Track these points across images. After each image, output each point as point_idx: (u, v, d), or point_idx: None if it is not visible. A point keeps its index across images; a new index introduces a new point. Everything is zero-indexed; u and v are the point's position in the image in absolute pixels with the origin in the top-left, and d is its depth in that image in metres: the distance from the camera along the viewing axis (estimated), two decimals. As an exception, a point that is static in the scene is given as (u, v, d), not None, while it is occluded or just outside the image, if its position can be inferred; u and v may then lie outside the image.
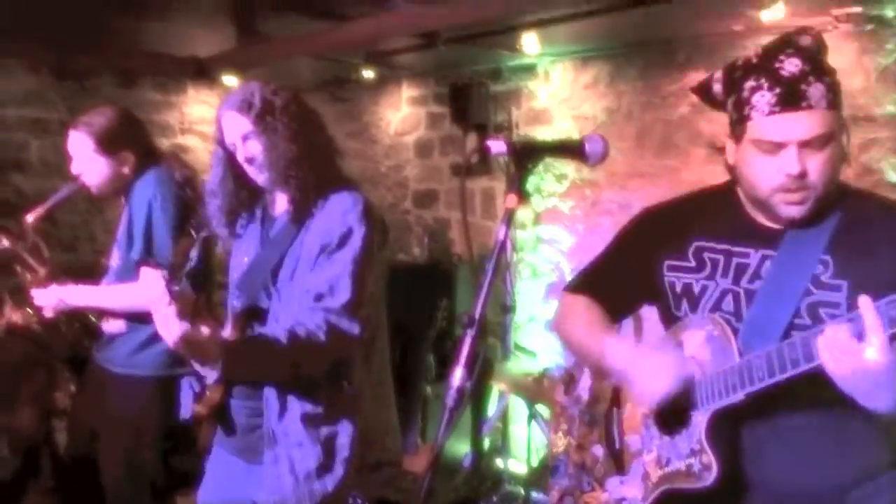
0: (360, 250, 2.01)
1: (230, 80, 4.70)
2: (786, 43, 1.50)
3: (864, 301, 1.26)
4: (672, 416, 1.60)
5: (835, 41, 3.24)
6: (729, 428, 1.53)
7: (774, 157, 1.45)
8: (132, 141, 2.77)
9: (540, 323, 4.55)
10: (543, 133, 4.54)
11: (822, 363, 1.29)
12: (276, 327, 1.98)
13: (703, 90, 1.63)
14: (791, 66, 1.44)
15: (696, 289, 1.63)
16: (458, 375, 1.27)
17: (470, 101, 4.47)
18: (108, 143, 2.72)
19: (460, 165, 4.71)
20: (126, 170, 2.76)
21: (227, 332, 2.08)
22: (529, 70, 4.56)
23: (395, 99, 5.43)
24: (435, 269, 4.64)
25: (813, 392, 1.44)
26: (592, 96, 4.31)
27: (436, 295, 4.22)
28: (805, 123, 1.41)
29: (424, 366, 4.02)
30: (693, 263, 1.64)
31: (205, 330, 1.76)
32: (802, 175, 1.43)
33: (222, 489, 2.22)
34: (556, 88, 4.48)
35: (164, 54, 4.75)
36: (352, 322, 1.98)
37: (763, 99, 1.44)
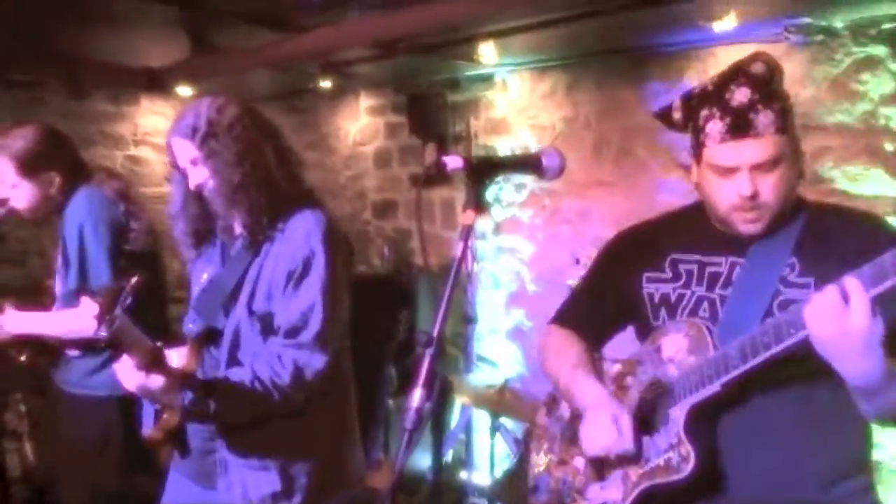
0: (326, 276, 1.97)
1: (184, 90, 4.61)
2: (737, 72, 1.58)
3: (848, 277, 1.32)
4: (653, 416, 1.63)
5: (786, 52, 3.31)
6: (708, 420, 1.56)
7: (729, 180, 1.55)
8: (56, 160, 2.64)
9: (501, 333, 4.55)
10: (502, 142, 4.54)
11: (808, 329, 1.33)
12: (241, 371, 1.95)
13: (665, 117, 1.74)
14: (740, 95, 1.53)
15: (674, 297, 1.70)
16: (416, 396, 1.26)
17: (428, 112, 4.46)
18: (30, 166, 2.59)
19: (418, 176, 4.70)
20: (53, 190, 2.64)
21: (184, 357, 2.02)
22: (487, 80, 4.57)
23: (353, 109, 5.40)
24: (395, 281, 4.61)
25: (790, 379, 1.51)
26: (550, 105, 4.33)
27: (397, 306, 4.19)
28: (754, 149, 1.52)
29: (386, 379, 3.99)
30: (669, 274, 1.72)
31: (159, 381, 1.82)
32: (755, 196, 1.53)
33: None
34: (514, 98, 4.49)
35: (116, 65, 4.64)
36: (323, 354, 1.96)
37: (715, 128, 1.55)
